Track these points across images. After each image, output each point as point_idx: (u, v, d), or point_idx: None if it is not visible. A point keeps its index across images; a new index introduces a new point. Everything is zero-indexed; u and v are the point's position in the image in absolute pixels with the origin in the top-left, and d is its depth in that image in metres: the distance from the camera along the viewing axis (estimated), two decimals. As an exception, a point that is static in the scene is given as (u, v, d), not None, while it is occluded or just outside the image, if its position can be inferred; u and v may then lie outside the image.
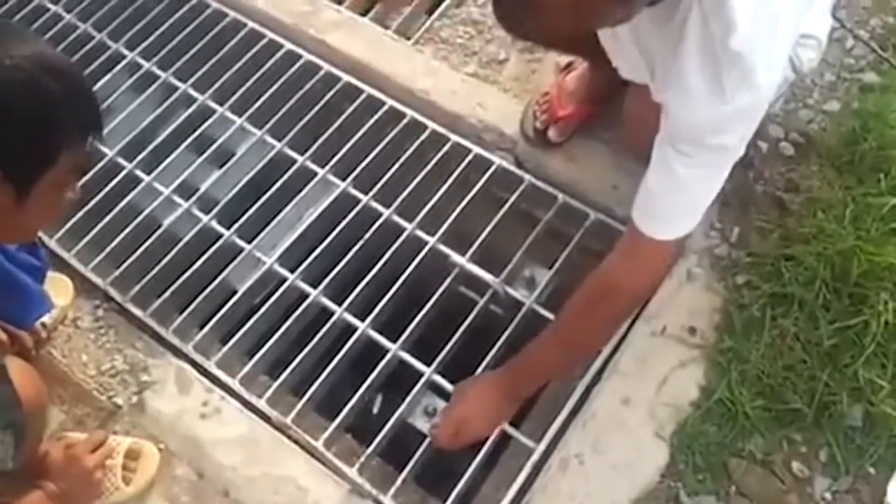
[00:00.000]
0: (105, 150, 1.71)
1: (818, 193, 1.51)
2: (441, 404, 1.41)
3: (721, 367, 1.38)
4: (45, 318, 1.42)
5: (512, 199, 1.59)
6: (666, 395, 1.36)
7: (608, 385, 1.38)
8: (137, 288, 1.52)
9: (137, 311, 1.50)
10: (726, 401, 1.34)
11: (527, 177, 1.60)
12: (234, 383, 1.42)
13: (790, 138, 1.61)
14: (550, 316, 1.45)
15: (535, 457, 1.32)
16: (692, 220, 1.16)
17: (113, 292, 1.53)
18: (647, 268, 1.20)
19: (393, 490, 1.31)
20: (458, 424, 1.27)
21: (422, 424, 1.41)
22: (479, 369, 1.40)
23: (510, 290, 1.50)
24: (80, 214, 1.62)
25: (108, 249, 1.57)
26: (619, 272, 1.19)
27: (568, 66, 1.67)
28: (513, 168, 1.62)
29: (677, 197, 1.13)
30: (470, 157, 1.64)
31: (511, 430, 1.36)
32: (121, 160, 1.70)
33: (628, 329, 1.43)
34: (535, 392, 1.36)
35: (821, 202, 1.49)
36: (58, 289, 1.48)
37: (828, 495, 1.29)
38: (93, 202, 1.63)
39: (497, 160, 1.63)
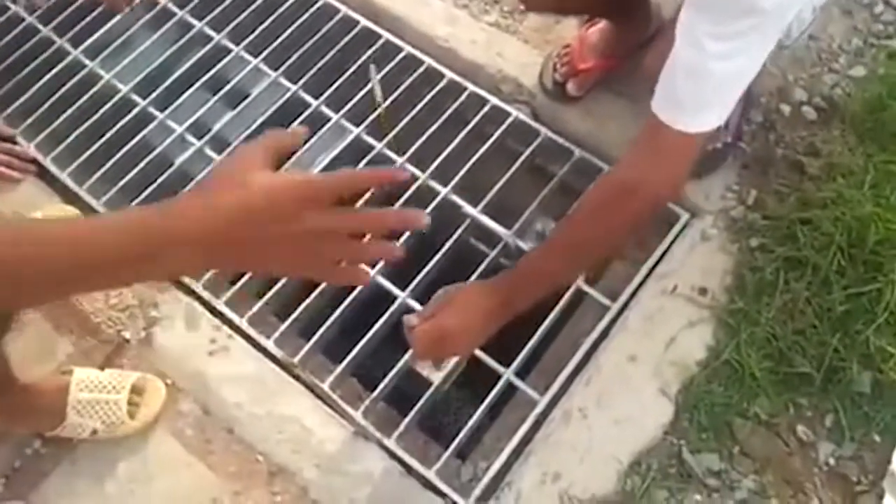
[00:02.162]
0: (119, 85, 1.70)
1: (839, 159, 1.48)
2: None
3: (730, 328, 1.37)
4: None
5: (527, 152, 1.57)
6: (673, 353, 1.36)
7: (615, 341, 1.38)
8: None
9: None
10: (734, 361, 1.34)
11: (543, 130, 1.58)
12: (243, 322, 1.42)
13: (813, 103, 1.58)
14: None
15: (538, 408, 1.32)
16: (720, 111, 1.05)
17: (123, 227, 1.52)
18: (669, 165, 1.08)
19: (396, 434, 1.31)
20: (440, 333, 1.11)
21: (427, 372, 1.40)
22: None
23: (521, 244, 1.49)
24: (93, 149, 1.61)
25: (119, 185, 1.57)
26: (638, 170, 1.08)
27: (591, 19, 1.64)
28: (529, 121, 1.60)
29: (705, 80, 1.01)
30: (487, 107, 1.62)
31: (516, 381, 1.36)
32: (135, 97, 1.68)
33: (639, 286, 1.43)
34: (530, 310, 1.19)
35: (841, 167, 1.47)
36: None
37: (831, 460, 1.29)
38: (106, 137, 1.63)
39: (514, 112, 1.61)
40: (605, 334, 1.39)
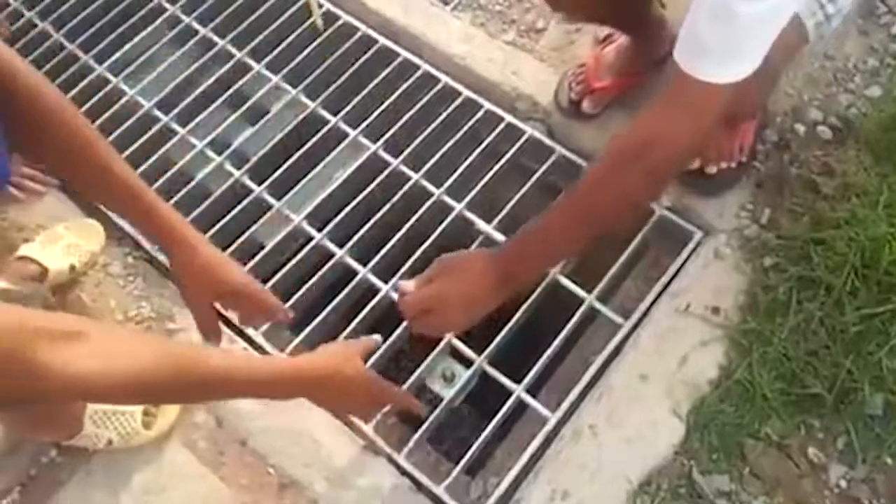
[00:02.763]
0: (142, 101, 1.73)
1: (853, 179, 1.48)
2: (459, 370, 1.42)
3: (742, 347, 1.37)
4: (75, 261, 1.45)
5: (542, 169, 1.58)
6: (685, 372, 1.35)
7: (627, 360, 1.38)
8: (167, 238, 1.54)
9: (166, 261, 1.53)
10: (745, 382, 1.34)
11: (558, 148, 1.59)
12: (258, 336, 1.44)
13: (828, 122, 1.58)
14: (572, 287, 1.45)
15: (548, 426, 1.33)
16: (749, 59, 0.97)
17: (143, 241, 1.55)
18: (691, 117, 0.99)
19: (406, 450, 1.32)
20: (437, 302, 1.05)
21: (439, 388, 1.42)
22: (498, 338, 1.41)
23: (534, 261, 1.49)
24: (114, 163, 1.64)
25: (140, 199, 1.59)
26: (658, 122, 1.00)
27: (607, 39, 1.65)
28: (544, 139, 1.62)
29: (731, 24, 0.94)
30: (502, 125, 1.63)
31: (527, 399, 1.36)
32: (157, 112, 1.72)
33: (651, 304, 1.43)
34: (533, 284, 1.19)
35: (855, 187, 1.47)
36: (89, 234, 1.52)
37: (843, 483, 1.28)
38: (128, 152, 1.66)
39: (529, 130, 1.62)
40: (616, 352, 1.39)
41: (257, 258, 1.53)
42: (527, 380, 1.38)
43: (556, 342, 1.40)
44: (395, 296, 1.48)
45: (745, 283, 1.43)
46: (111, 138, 1.68)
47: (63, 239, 1.49)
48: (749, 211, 1.51)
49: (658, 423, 1.31)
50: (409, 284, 1.09)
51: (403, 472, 1.31)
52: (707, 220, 1.49)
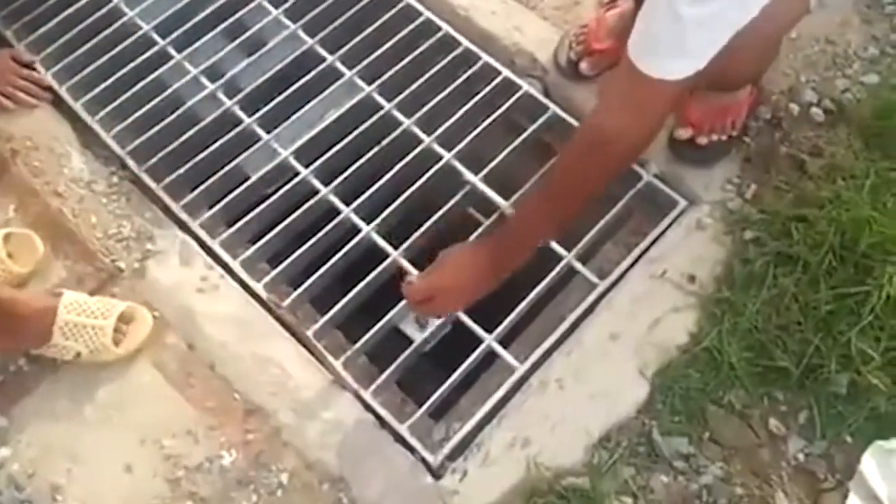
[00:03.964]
0: (141, 23, 1.72)
1: (841, 161, 1.49)
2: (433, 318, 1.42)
3: (714, 316, 1.38)
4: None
5: (534, 126, 1.58)
6: (655, 335, 1.37)
7: (599, 319, 1.39)
8: (154, 160, 1.54)
9: (151, 183, 1.53)
10: (714, 349, 1.35)
11: (552, 106, 1.59)
12: (235, 264, 1.45)
13: (822, 105, 1.58)
14: (553, 244, 1.45)
15: (515, 376, 1.34)
16: (695, 61, 1.02)
17: (129, 161, 1.55)
18: (643, 111, 1.07)
19: (373, 387, 1.33)
20: (432, 292, 1.22)
21: (411, 332, 1.42)
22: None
23: (518, 215, 1.50)
24: (107, 83, 1.64)
25: (130, 119, 1.59)
26: (613, 117, 1.08)
27: (611, 2, 1.64)
28: (540, 96, 1.61)
29: (676, 24, 0.98)
30: (499, 79, 1.62)
31: (498, 349, 1.37)
32: (155, 35, 1.70)
33: (629, 268, 1.44)
34: (521, 281, 1.28)
35: (842, 170, 1.47)
36: (24, 252, 1.42)
37: (800, 456, 1.30)
38: (122, 72, 1.65)
39: (525, 86, 1.61)
40: (590, 311, 1.40)
41: (242, 188, 1.52)
42: (498, 330, 1.38)
43: (531, 297, 1.41)
44: (375, 236, 1.49)
45: (724, 254, 1.44)
46: (106, 57, 1.67)
47: None
48: (735, 185, 1.51)
49: (623, 382, 1.33)
50: (413, 276, 1.31)
51: (368, 409, 1.32)
52: (693, 190, 1.50)
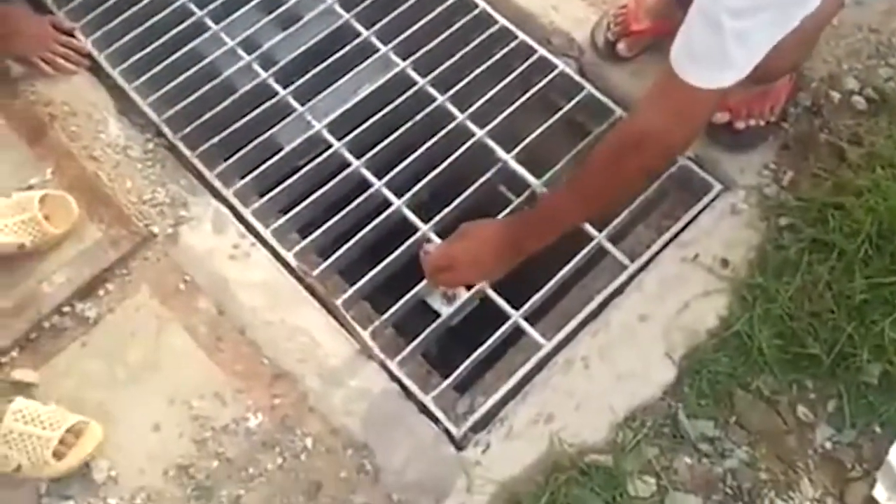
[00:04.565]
0: (178, -7, 1.73)
1: (881, 150, 1.46)
2: (461, 290, 1.42)
3: (746, 302, 1.36)
4: (29, 241, 1.39)
5: (568, 106, 1.57)
6: (684, 318, 1.36)
7: (628, 300, 1.38)
8: (189, 129, 1.56)
9: (186, 150, 1.54)
10: (744, 334, 1.34)
11: (588, 86, 1.58)
12: (267, 233, 1.46)
13: (864, 93, 1.55)
14: (587, 226, 1.44)
15: (541, 352, 1.34)
16: (737, 72, 1.01)
17: (165, 129, 1.56)
18: (683, 117, 1.06)
19: (399, 358, 1.34)
20: (450, 261, 1.20)
21: (438, 306, 1.42)
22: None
23: (549, 194, 1.49)
24: (145, 52, 1.65)
25: (166, 88, 1.61)
26: (653, 121, 1.06)
27: (651, -19, 1.62)
28: (575, 76, 1.60)
29: (718, 35, 0.97)
30: (534, 57, 1.62)
31: (524, 325, 1.37)
32: (192, 5, 1.72)
33: (660, 251, 1.43)
34: (549, 259, 1.26)
35: (882, 159, 1.45)
36: (60, 214, 1.43)
37: (828, 444, 1.29)
38: (159, 42, 1.66)
39: (561, 65, 1.60)
40: (619, 292, 1.39)
41: (275, 159, 1.53)
42: (526, 307, 1.38)
43: (561, 275, 1.40)
44: (406, 211, 1.49)
45: (758, 239, 1.42)
46: (145, 26, 1.69)
47: (29, 212, 1.38)
48: (772, 170, 1.49)
49: (650, 364, 1.32)
50: (431, 245, 1.27)
51: (394, 379, 1.32)
52: (729, 174, 1.48)
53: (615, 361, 1.32)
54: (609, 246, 1.44)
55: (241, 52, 1.66)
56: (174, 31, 1.68)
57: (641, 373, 1.31)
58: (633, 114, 1.14)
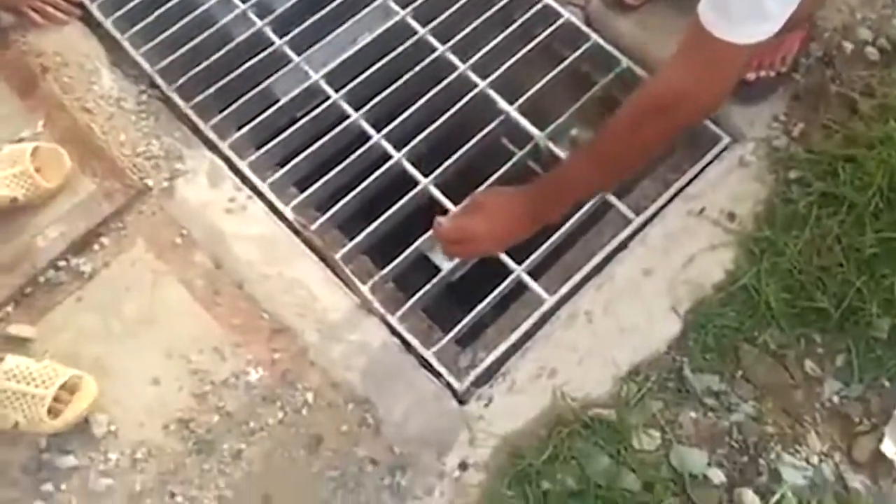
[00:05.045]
0: (170, -58, 1.67)
1: (893, 102, 1.42)
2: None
3: (753, 255, 1.34)
4: (21, 194, 1.36)
5: (573, 56, 1.53)
6: (689, 272, 1.33)
7: (632, 254, 1.35)
8: (183, 79, 1.51)
9: (180, 102, 1.50)
10: (751, 288, 1.31)
11: (594, 36, 1.54)
12: (264, 186, 1.42)
13: (878, 44, 1.51)
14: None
15: (544, 307, 1.31)
16: (773, 24, 0.96)
17: (159, 80, 1.52)
18: (713, 77, 1.01)
19: (400, 312, 1.31)
20: (466, 234, 1.13)
21: (440, 261, 1.39)
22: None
23: (553, 147, 1.46)
24: (137, 0, 1.60)
25: (160, 38, 1.56)
26: (686, 80, 1.00)
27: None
28: (581, 25, 1.55)
29: None
30: (538, 6, 1.57)
31: (527, 280, 1.35)
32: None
33: (665, 204, 1.40)
34: (558, 220, 1.23)
35: (894, 111, 1.41)
36: (53, 167, 1.39)
37: (835, 398, 1.27)
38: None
39: (566, 14, 1.56)
40: (623, 246, 1.36)
41: (271, 110, 1.49)
42: (528, 261, 1.36)
43: (564, 230, 1.37)
44: (406, 164, 1.45)
45: (766, 193, 1.39)
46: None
47: (21, 165, 1.35)
48: (781, 122, 1.46)
49: (655, 318, 1.30)
50: (444, 217, 1.17)
51: (394, 333, 1.30)
52: (738, 126, 1.45)
53: (619, 315, 1.30)
54: (614, 199, 1.41)
55: (235, 0, 1.61)
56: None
57: (646, 327, 1.29)
58: (662, 74, 1.06)
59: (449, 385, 1.26)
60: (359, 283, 1.33)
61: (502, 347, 1.28)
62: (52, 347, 1.29)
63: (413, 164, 1.46)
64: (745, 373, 1.28)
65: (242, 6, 1.60)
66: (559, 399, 1.23)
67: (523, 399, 1.24)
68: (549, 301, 1.32)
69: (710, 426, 1.25)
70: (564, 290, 1.32)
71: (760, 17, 0.95)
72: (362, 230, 1.39)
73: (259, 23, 1.58)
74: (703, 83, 1.01)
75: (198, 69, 1.52)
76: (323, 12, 1.58)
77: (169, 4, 1.60)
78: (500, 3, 1.57)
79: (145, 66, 1.54)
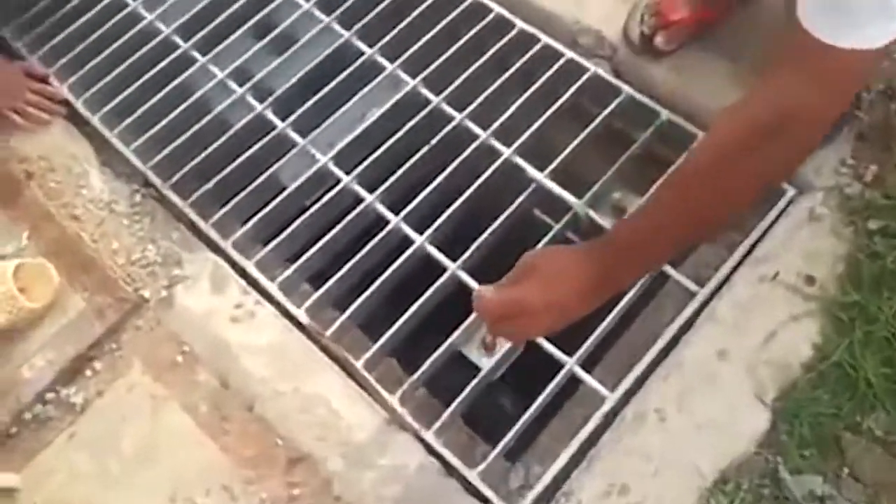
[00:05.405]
0: (161, 26, 1.56)
1: (975, 132, 1.24)
2: (503, 340, 1.22)
3: (842, 324, 1.15)
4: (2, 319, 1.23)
5: (605, 112, 1.37)
6: (771, 351, 1.14)
7: (701, 333, 1.17)
8: (179, 175, 1.38)
9: (177, 200, 1.36)
10: (846, 365, 1.12)
11: (625, 88, 1.38)
12: (273, 287, 1.27)
13: (950, 69, 1.34)
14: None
15: (605, 406, 1.13)
16: None
17: (153, 177, 1.39)
18: (837, 89, 0.83)
19: (437, 426, 1.13)
20: (520, 307, 0.87)
21: (476, 357, 1.22)
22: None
23: (594, 215, 1.29)
24: (126, 93, 1.49)
25: (152, 131, 1.43)
26: (800, 94, 0.81)
27: (687, -36, 1.42)
28: (610, 77, 1.40)
29: None
30: (561, 62, 1.42)
31: (581, 374, 1.16)
32: (176, 38, 1.54)
33: (732, 271, 1.21)
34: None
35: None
36: (38, 284, 1.27)
37: (962, 491, 1.06)
38: (141, 80, 1.50)
39: (592, 68, 1.40)
40: (689, 325, 1.18)
41: (277, 201, 1.35)
42: (581, 352, 1.17)
43: (617, 310, 1.19)
44: (430, 248, 1.29)
45: (846, 248, 1.21)
46: (125, 66, 1.53)
47: (2, 286, 1.21)
48: (850, 167, 1.28)
49: (738, 410, 1.10)
50: (486, 288, 0.92)
51: (431, 452, 1.12)
52: (801, 175, 1.27)
53: (695, 411, 1.11)
54: (670, 270, 1.23)
55: (232, 84, 1.48)
56: (157, 68, 1.51)
57: (728, 422, 1.10)
58: (756, 96, 0.86)
59: (501, 512, 1.07)
60: (386, 394, 1.16)
61: (561, 460, 1.09)
62: (41, 497, 1.12)
63: (438, 247, 1.30)
64: (852, 469, 1.08)
65: (240, 90, 1.47)
66: (634, 521, 1.04)
67: (592, 524, 1.04)
68: (611, 398, 1.13)
69: (818, 540, 1.05)
70: (627, 383, 1.14)
71: (889, 14, 0.76)
72: (387, 329, 1.22)
73: (259, 106, 1.45)
74: (823, 97, 0.82)
75: (194, 162, 1.39)
76: (327, 89, 1.44)
77: (160, 95, 1.47)
78: (519, 63, 1.43)
79: (137, 163, 1.41)
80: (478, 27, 1.47)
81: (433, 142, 1.38)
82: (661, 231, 0.87)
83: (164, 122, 1.44)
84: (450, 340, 1.21)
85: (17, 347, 1.24)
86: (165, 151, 1.41)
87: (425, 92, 1.44)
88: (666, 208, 0.88)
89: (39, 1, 1.62)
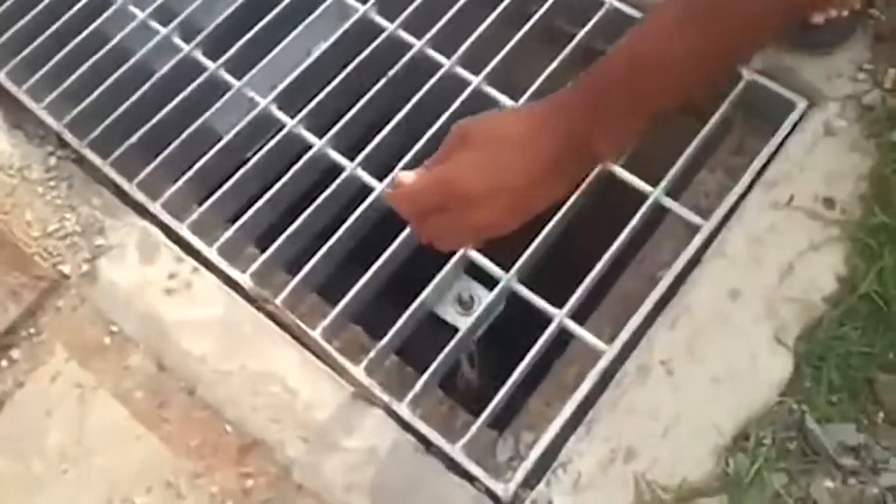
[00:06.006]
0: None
1: None
2: (479, 291, 1.07)
3: (870, 250, 1.01)
4: None
5: (582, 32, 1.21)
6: (791, 286, 1.00)
7: (709, 271, 1.02)
8: (99, 131, 1.21)
9: (97, 160, 1.19)
10: (876, 296, 0.98)
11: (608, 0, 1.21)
12: (212, 252, 1.11)
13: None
14: (630, 178, 1.08)
15: (603, 362, 0.97)
16: None
17: (69, 136, 1.22)
18: None
19: (410, 396, 0.98)
20: (444, 189, 0.62)
21: (453, 317, 1.07)
22: (532, 247, 1.05)
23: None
24: (35, 43, 1.31)
25: (66, 84, 1.26)
26: None
27: None
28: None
29: None
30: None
31: (573, 327, 1.01)
32: (89, -21, 1.36)
33: (740, 198, 1.06)
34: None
35: None
36: None
37: None
38: (52, 28, 1.31)
39: (567, -21, 1.24)
40: (695, 262, 1.03)
41: (213, 152, 1.18)
42: (571, 302, 1.02)
43: (611, 251, 1.04)
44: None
45: (869, 165, 1.07)
46: (34, 13, 1.34)
47: None
48: (868, 72, 1.14)
49: (756, 355, 0.96)
50: (407, 173, 0.66)
51: (406, 427, 0.97)
52: (813, 84, 1.12)
53: (708, 360, 0.96)
54: (669, 202, 1.07)
55: (154, 24, 1.30)
56: (70, 13, 1.33)
57: (746, 370, 0.95)
58: None
59: (489, 491, 0.92)
60: (350, 365, 1.00)
61: (555, 425, 0.94)
62: (-46, 511, 0.97)
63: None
64: (889, 414, 0.95)
65: (164, 30, 1.29)
66: (645, 491, 0.89)
67: (596, 498, 0.90)
68: (609, 352, 0.98)
69: (854, 497, 0.91)
70: (626, 334, 0.99)
71: None
72: (347, 291, 1.06)
73: (186, 47, 1.27)
74: None
75: (116, 115, 1.22)
76: (264, 22, 1.27)
77: (75, 42, 1.29)
78: (482, -22, 1.25)
79: (50, 121, 1.23)
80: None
81: (390, 74, 1.21)
82: (661, 58, 0.57)
83: (79, 73, 1.26)
84: (420, 299, 1.05)
85: (-79, 342, 1.07)
86: (82, 105, 1.23)
87: (378, 18, 1.26)
88: (663, 33, 0.58)
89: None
